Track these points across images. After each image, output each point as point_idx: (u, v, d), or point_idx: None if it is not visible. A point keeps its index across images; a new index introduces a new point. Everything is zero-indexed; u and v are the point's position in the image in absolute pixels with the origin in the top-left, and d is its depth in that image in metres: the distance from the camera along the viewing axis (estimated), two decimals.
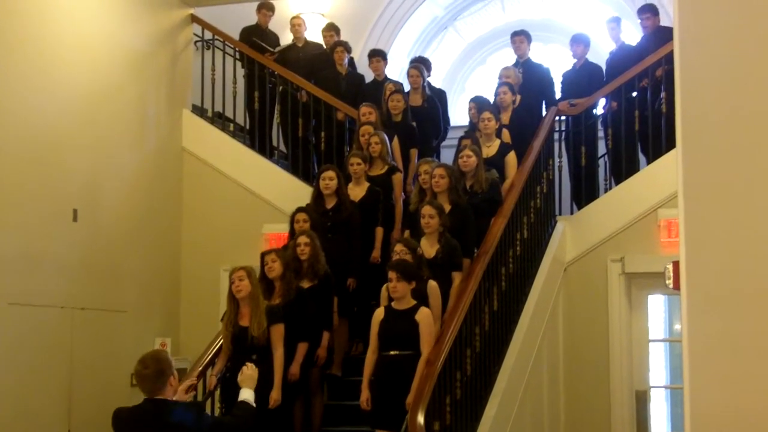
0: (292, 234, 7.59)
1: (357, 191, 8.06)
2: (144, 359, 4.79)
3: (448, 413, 6.22)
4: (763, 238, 3.48)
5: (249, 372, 5.36)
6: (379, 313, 6.42)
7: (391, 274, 6.30)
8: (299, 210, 7.69)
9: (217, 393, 6.79)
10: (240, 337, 6.51)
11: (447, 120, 9.93)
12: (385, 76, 10.07)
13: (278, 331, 6.51)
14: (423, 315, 6.26)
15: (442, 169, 7.53)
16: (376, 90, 9.66)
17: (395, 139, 8.67)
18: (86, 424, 7.99)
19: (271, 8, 10.62)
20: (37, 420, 7.57)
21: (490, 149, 8.35)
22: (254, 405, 5.19)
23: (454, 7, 12.72)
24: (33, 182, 7.69)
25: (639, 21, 9.77)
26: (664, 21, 9.71)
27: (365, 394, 6.29)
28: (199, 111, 10.03)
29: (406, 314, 6.28)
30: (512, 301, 7.57)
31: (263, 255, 7.10)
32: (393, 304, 6.38)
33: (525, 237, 7.96)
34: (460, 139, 8.69)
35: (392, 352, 6.24)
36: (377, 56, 10.08)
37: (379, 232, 7.97)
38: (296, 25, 10.65)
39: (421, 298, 6.45)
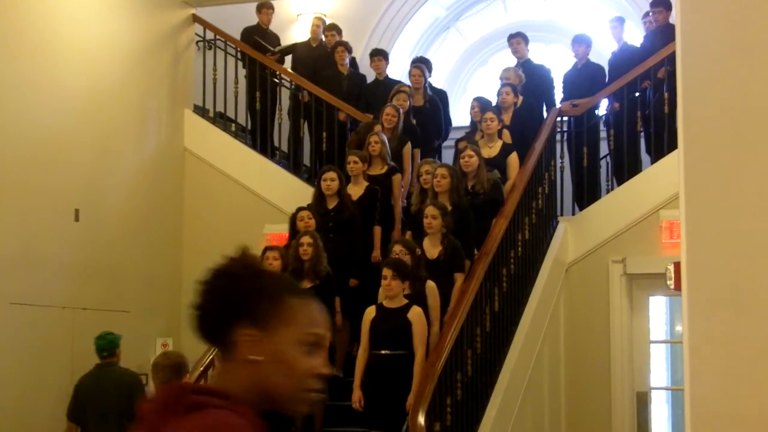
0: (293, 234, 7.57)
1: (355, 190, 8.03)
2: (167, 352, 5.38)
3: (448, 414, 6.21)
4: (764, 239, 3.47)
5: None
6: (370, 312, 6.37)
7: (386, 272, 6.26)
8: (303, 208, 7.67)
9: None
10: None
11: (449, 120, 9.91)
12: (387, 75, 10.05)
13: None
14: (415, 314, 6.22)
15: (445, 170, 7.50)
16: (378, 90, 9.65)
17: (408, 144, 8.63)
18: None
19: (270, 6, 10.62)
20: (38, 420, 7.57)
21: (493, 150, 8.33)
22: None
23: (456, 7, 12.70)
24: (35, 182, 7.69)
25: (642, 20, 9.75)
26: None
27: (357, 394, 6.25)
28: (200, 111, 10.02)
29: (398, 313, 6.24)
30: (513, 302, 7.56)
31: (266, 249, 7.08)
32: (385, 302, 6.35)
33: (526, 238, 7.94)
34: (457, 141, 8.69)
35: (383, 352, 6.21)
36: (378, 56, 10.06)
37: (377, 230, 7.94)
38: (315, 25, 10.68)
39: (419, 298, 6.43)
